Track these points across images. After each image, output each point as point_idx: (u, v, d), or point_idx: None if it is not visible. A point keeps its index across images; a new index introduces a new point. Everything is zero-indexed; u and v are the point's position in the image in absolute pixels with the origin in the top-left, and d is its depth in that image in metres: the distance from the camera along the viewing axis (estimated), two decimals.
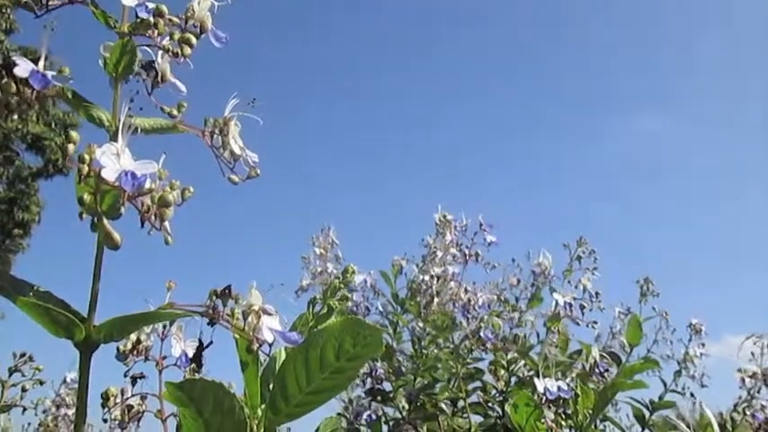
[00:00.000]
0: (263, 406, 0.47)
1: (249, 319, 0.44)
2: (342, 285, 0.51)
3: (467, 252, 1.49)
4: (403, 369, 1.52)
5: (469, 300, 1.44)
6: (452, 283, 1.46)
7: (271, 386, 0.46)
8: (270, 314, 0.44)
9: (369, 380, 1.55)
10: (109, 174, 0.37)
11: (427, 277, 1.47)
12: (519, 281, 1.48)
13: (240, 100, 0.45)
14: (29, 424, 1.29)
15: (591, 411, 0.91)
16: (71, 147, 0.37)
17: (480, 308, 1.42)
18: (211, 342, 0.48)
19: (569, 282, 1.25)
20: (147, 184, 0.39)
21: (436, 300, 1.46)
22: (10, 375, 0.94)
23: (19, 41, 7.31)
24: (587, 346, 1.22)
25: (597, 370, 1.01)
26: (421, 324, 1.48)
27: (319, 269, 1.53)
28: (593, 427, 1.30)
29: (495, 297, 1.48)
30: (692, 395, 1.37)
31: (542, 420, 0.87)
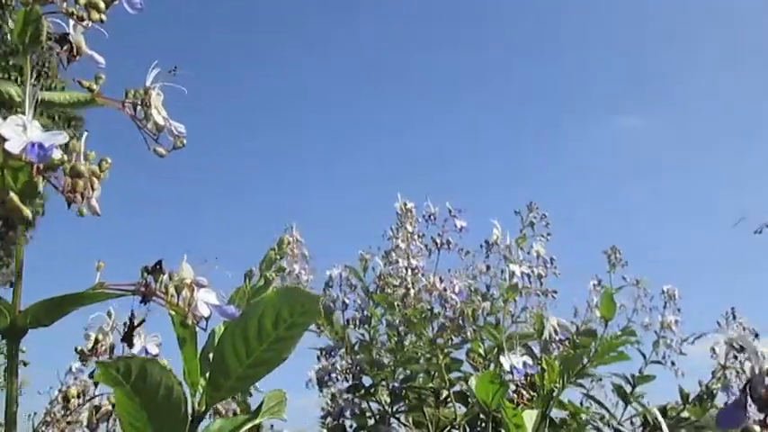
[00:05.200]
0: (203, 382, 0.45)
1: (183, 293, 0.43)
2: (278, 257, 0.50)
3: (438, 240, 1.47)
4: (384, 362, 1.51)
5: (445, 288, 1.43)
6: (419, 275, 1.44)
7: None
8: (203, 286, 0.43)
9: (350, 375, 1.54)
10: (13, 146, 0.36)
11: (402, 270, 1.46)
12: (489, 267, 1.47)
13: (162, 69, 0.44)
14: (35, 413, 1.26)
15: (558, 384, 0.91)
16: None
17: (458, 295, 1.40)
18: (143, 320, 0.46)
19: (522, 248, 1.22)
20: (57, 155, 0.37)
21: (412, 291, 1.44)
22: None
23: None
24: (538, 316, 1.20)
25: (556, 337, 1.00)
26: (396, 317, 1.47)
27: (287, 269, 1.51)
28: (567, 401, 1.29)
29: (470, 284, 1.47)
30: (672, 364, 1.37)
31: (510, 395, 0.86)
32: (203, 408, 0.44)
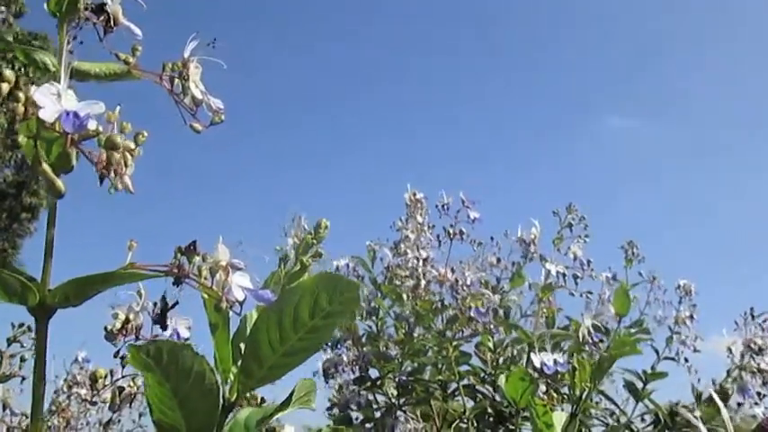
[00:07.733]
0: (235, 370, 0.44)
1: (217, 276, 0.41)
2: (314, 242, 0.48)
3: (450, 231, 1.45)
4: (391, 354, 1.49)
5: (457, 279, 1.41)
6: (429, 266, 1.42)
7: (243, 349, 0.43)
8: (239, 269, 0.41)
9: (357, 367, 1.52)
10: (47, 114, 0.34)
11: (411, 261, 1.44)
12: (499, 260, 1.45)
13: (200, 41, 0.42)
14: None
15: (588, 384, 0.89)
16: (4, 86, 0.34)
17: (470, 286, 1.38)
18: (177, 303, 0.44)
19: (559, 250, 1.21)
20: (92, 125, 0.36)
21: (423, 282, 1.42)
22: (8, 345, 0.91)
23: (27, 25, 7.22)
24: (576, 322, 1.19)
25: (590, 340, 0.98)
26: (405, 308, 1.45)
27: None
28: (589, 400, 1.28)
29: (482, 276, 1.45)
30: (686, 360, 1.35)
31: (539, 395, 0.85)
32: (234, 396, 0.43)
